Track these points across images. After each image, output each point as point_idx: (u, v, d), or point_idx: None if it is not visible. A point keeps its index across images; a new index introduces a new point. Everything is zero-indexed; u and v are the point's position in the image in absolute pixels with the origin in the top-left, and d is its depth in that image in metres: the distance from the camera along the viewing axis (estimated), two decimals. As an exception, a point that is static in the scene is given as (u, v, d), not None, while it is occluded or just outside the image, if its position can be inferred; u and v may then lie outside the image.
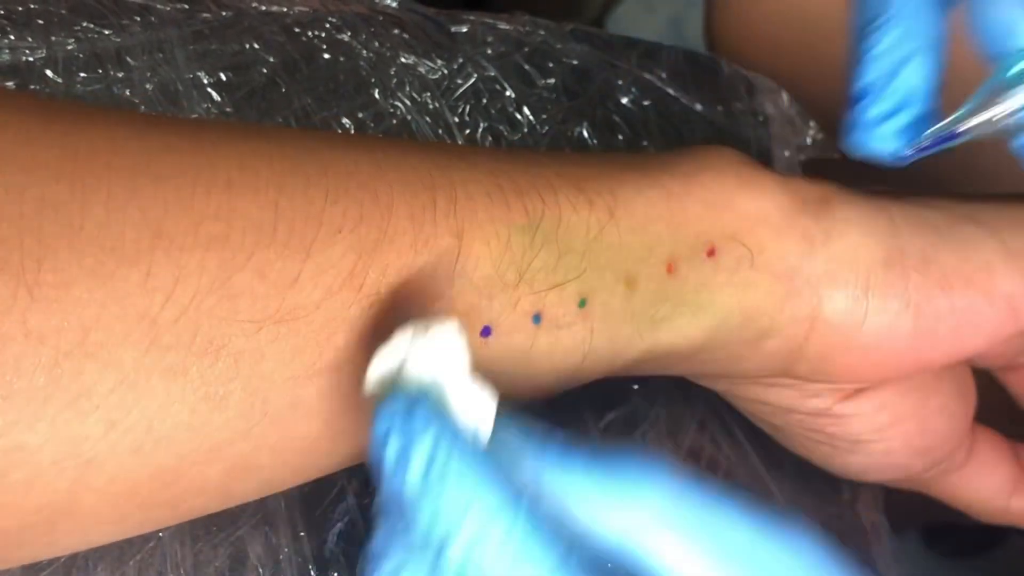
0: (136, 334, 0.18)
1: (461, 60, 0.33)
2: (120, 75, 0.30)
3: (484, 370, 0.21)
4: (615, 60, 0.34)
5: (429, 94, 0.32)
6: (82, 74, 0.30)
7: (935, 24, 0.22)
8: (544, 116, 0.33)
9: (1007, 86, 0.17)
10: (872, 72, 0.22)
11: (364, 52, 0.32)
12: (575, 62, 0.34)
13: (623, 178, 0.23)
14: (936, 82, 0.22)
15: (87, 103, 0.29)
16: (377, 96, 0.32)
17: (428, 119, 0.32)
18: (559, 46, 0.34)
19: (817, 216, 0.24)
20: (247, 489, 0.21)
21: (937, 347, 0.25)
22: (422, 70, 0.32)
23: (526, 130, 0.32)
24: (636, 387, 0.31)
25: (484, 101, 0.32)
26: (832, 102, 0.27)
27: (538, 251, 0.22)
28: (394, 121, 0.32)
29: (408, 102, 0.32)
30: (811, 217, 0.24)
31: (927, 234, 0.24)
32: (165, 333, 0.18)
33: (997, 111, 0.17)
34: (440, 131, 0.32)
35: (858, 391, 0.27)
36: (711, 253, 0.24)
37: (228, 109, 0.31)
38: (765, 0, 0.42)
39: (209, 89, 0.31)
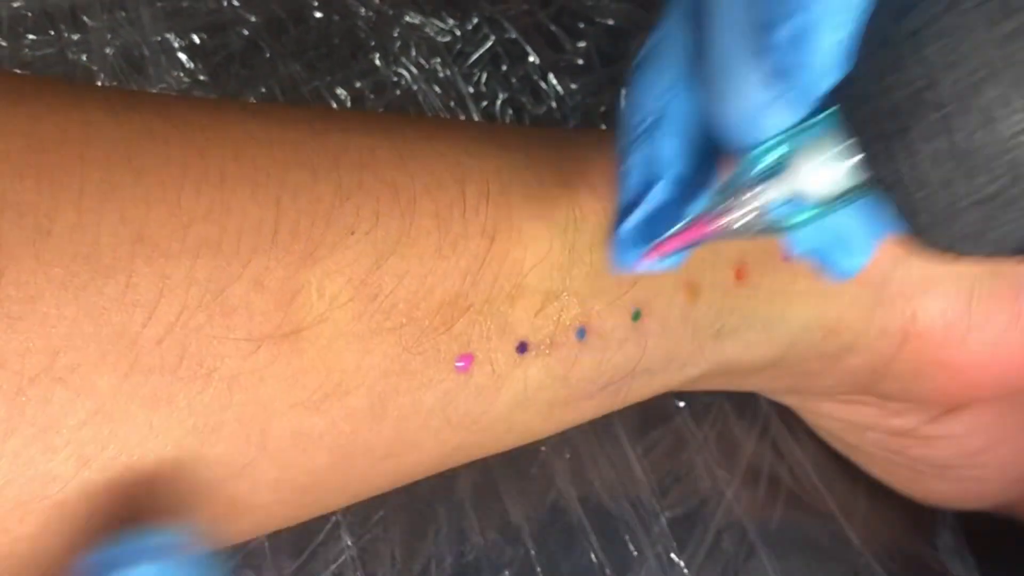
0: (113, 356, 0.17)
1: (476, 20, 0.32)
2: (75, 37, 0.30)
3: (515, 393, 0.21)
4: (658, 19, 0.34)
5: (439, 60, 0.32)
6: (31, 36, 0.30)
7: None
8: (574, 86, 0.32)
9: (751, 183, 0.16)
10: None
11: (362, 10, 0.32)
12: (611, 22, 0.34)
13: None
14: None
15: (56, 79, 0.28)
16: (378, 62, 0.31)
17: (438, 89, 0.31)
18: (591, 3, 0.33)
19: None
20: (237, 532, 0.21)
21: None
22: (430, 31, 0.32)
23: (553, 103, 0.32)
24: (681, 404, 0.30)
25: (503, 68, 0.32)
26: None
27: (585, 255, 0.21)
28: (397, 92, 0.31)
29: (414, 69, 0.31)
30: None
31: None
32: (147, 355, 0.18)
33: (746, 210, 0.16)
34: (452, 103, 0.31)
35: (949, 410, 0.26)
36: (789, 256, 0.23)
37: (202, 77, 0.31)
38: None
39: (180, 54, 0.31)
